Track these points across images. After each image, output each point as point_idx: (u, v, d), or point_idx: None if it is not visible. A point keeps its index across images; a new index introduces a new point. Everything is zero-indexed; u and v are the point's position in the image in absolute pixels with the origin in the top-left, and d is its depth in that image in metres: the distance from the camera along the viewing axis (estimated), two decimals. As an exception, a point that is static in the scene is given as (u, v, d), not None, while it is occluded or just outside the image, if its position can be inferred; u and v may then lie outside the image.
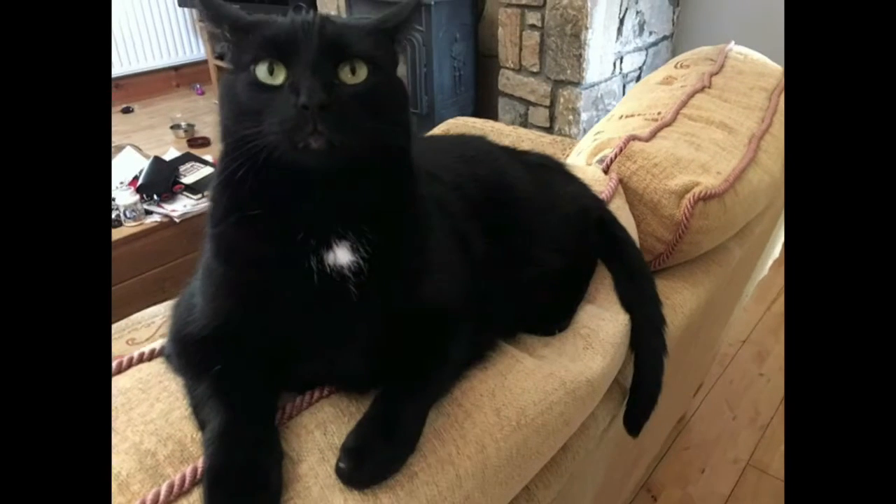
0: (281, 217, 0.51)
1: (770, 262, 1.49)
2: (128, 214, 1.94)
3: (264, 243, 0.51)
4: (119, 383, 0.55)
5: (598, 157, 0.94)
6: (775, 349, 1.90)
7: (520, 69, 2.50)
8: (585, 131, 2.43)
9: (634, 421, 0.78)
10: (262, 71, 0.48)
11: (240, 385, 0.52)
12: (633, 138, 0.90)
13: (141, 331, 1.18)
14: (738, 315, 1.57)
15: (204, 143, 3.29)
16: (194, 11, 4.00)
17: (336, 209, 0.51)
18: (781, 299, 2.08)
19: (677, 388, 1.24)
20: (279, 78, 0.48)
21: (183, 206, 2.04)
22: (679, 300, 0.89)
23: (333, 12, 3.17)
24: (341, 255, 0.51)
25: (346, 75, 0.49)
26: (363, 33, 0.51)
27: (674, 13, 2.71)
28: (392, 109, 0.53)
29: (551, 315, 0.73)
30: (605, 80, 2.48)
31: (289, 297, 0.52)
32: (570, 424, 0.67)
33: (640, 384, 0.78)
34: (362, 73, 0.49)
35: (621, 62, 2.53)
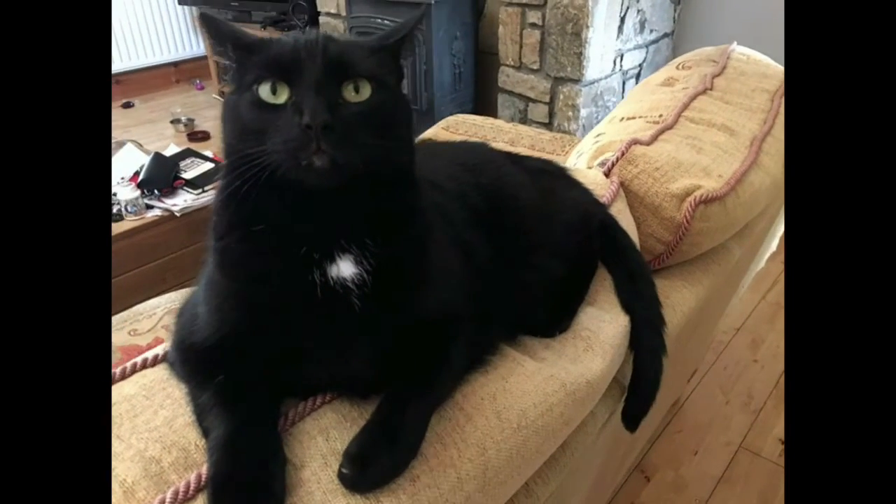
0: (284, 232, 0.51)
1: (767, 256, 1.50)
2: (129, 209, 1.98)
3: (268, 257, 0.51)
4: (123, 390, 0.55)
5: (599, 161, 0.95)
6: (769, 337, 1.91)
7: (520, 66, 2.50)
8: (585, 127, 2.44)
9: (632, 417, 0.79)
10: (265, 90, 0.48)
11: (243, 393, 0.53)
12: (635, 142, 0.90)
13: (143, 321, 1.19)
14: (734, 304, 1.58)
15: (204, 136, 3.31)
16: (193, 9, 4.01)
17: (339, 224, 0.51)
18: (776, 289, 2.11)
19: (673, 377, 1.24)
20: (282, 97, 0.48)
21: (183, 200, 2.07)
22: (678, 299, 0.89)
23: (333, 10, 3.16)
24: (344, 268, 0.51)
25: (349, 94, 0.49)
26: (366, 52, 0.51)
27: (675, 11, 2.71)
28: (395, 127, 0.53)
29: (552, 317, 0.73)
30: (606, 77, 2.48)
31: (292, 310, 0.52)
32: (570, 425, 0.67)
33: (639, 383, 0.79)
34: (366, 91, 0.49)
35: (621, 59, 2.53)
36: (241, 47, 0.51)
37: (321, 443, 0.52)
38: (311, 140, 0.45)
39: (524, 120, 2.57)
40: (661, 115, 1.00)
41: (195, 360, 0.55)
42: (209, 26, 0.51)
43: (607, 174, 0.90)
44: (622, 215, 0.86)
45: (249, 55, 0.50)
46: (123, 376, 0.57)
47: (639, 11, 2.48)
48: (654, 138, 0.92)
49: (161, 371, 0.58)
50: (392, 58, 0.54)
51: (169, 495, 0.46)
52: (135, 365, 0.58)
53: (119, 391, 0.55)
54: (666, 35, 2.73)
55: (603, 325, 0.75)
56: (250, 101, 0.48)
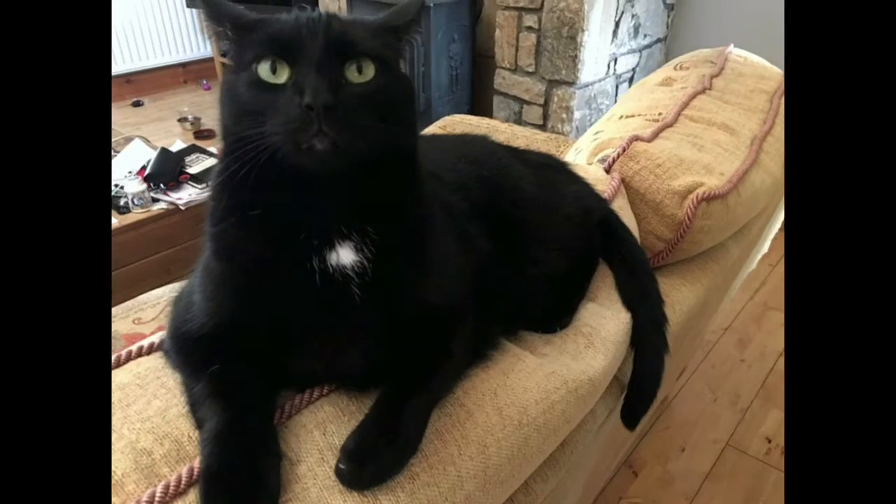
0: (283, 217, 0.49)
1: (759, 257, 1.50)
2: (136, 202, 2.03)
3: (265, 243, 0.50)
4: (116, 378, 0.53)
5: (599, 157, 0.94)
6: (757, 337, 1.93)
7: (516, 69, 2.50)
8: (578, 129, 2.44)
9: (632, 415, 0.79)
10: (264, 69, 0.46)
11: (238, 384, 0.51)
12: (636, 139, 0.90)
13: (147, 311, 1.21)
14: (724, 305, 1.59)
15: (209, 134, 3.41)
16: (201, 11, 4.03)
17: (339, 209, 0.50)
18: (764, 289, 2.14)
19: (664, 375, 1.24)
20: (282, 77, 0.46)
21: (188, 194, 2.13)
22: (678, 297, 0.88)
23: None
24: (344, 256, 0.50)
25: (352, 74, 0.47)
26: (371, 31, 0.49)
27: (668, 17, 2.72)
28: (399, 109, 0.51)
29: (553, 313, 0.72)
30: (599, 81, 2.49)
31: (290, 297, 0.51)
32: (571, 422, 0.66)
33: (641, 381, 0.78)
34: (369, 71, 0.47)
35: (615, 63, 2.54)
36: (240, 26, 0.49)
37: (318, 437, 0.51)
38: (311, 121, 0.44)
39: (519, 121, 2.57)
40: (660, 114, 0.99)
41: (190, 349, 0.54)
42: (209, 5, 0.49)
43: (608, 170, 0.90)
44: (623, 212, 0.85)
45: (248, 33, 0.48)
46: (118, 364, 0.55)
47: (633, 16, 2.49)
48: (655, 135, 0.92)
49: (156, 360, 0.56)
50: (395, 40, 0.52)
51: (159, 490, 0.44)
52: (129, 353, 0.56)
53: (112, 379, 0.53)
54: (659, 40, 2.74)
55: (604, 322, 0.74)
56: (249, 81, 0.47)
